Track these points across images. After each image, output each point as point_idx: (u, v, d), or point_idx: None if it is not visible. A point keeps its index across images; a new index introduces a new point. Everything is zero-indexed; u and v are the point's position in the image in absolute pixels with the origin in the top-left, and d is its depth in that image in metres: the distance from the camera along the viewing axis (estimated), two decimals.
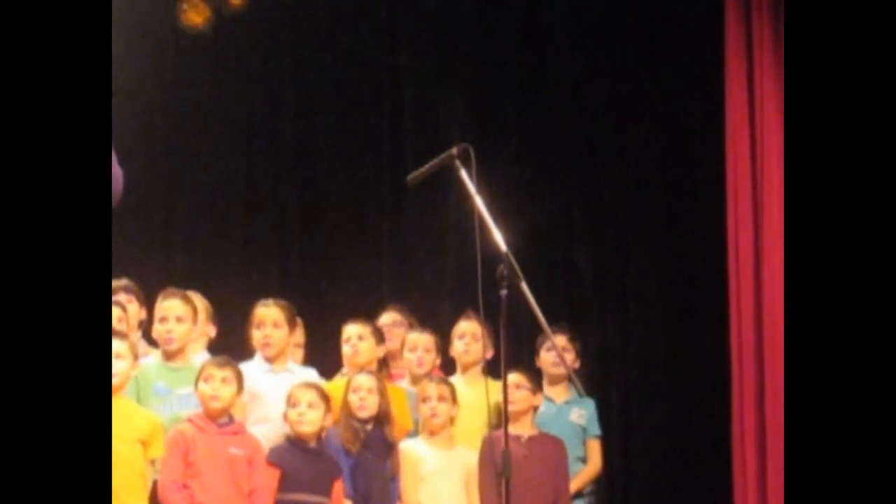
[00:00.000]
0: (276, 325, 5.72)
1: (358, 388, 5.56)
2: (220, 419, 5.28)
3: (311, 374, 5.80)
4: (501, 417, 4.60)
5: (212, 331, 5.96)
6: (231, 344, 5.88)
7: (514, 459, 4.49)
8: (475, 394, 5.81)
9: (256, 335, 5.74)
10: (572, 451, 5.92)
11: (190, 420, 5.28)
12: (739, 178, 6.31)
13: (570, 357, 6.02)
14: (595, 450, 6.10)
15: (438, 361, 6.07)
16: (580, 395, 5.29)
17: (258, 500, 5.25)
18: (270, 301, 5.78)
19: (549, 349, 6.09)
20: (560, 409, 6.07)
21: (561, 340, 5.93)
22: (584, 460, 6.04)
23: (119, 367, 5.10)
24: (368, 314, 6.11)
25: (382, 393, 5.57)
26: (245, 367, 5.49)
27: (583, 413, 6.09)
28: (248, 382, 5.42)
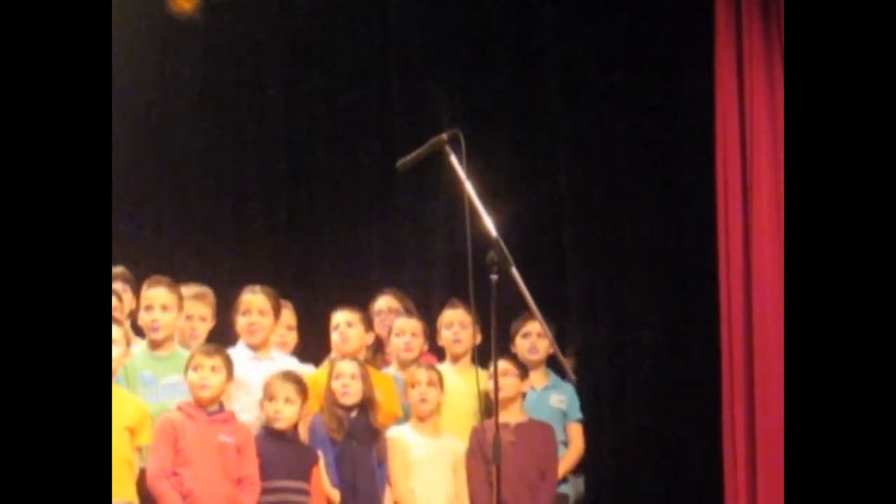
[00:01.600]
0: (262, 312, 5.68)
1: (340, 375, 5.53)
2: (210, 407, 5.26)
3: (293, 363, 5.77)
4: (490, 405, 4.57)
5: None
6: (223, 331, 5.85)
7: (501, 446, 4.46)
8: (465, 382, 5.79)
9: (241, 322, 5.70)
10: None
11: (179, 408, 5.25)
12: (729, 165, 6.33)
13: (545, 343, 5.99)
14: (576, 433, 6.07)
15: (426, 347, 6.05)
16: (570, 378, 5.25)
17: (247, 486, 5.23)
18: (257, 287, 5.74)
19: (524, 335, 6.07)
20: (539, 394, 6.04)
21: (535, 326, 5.89)
22: (565, 444, 6.02)
23: (113, 353, 5.07)
24: (358, 301, 6.09)
25: (366, 379, 5.54)
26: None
27: (562, 398, 6.07)
28: None
